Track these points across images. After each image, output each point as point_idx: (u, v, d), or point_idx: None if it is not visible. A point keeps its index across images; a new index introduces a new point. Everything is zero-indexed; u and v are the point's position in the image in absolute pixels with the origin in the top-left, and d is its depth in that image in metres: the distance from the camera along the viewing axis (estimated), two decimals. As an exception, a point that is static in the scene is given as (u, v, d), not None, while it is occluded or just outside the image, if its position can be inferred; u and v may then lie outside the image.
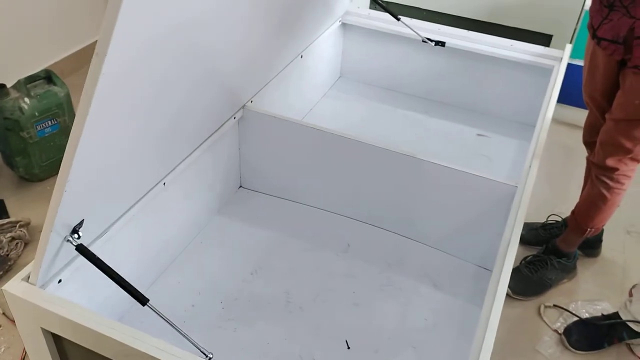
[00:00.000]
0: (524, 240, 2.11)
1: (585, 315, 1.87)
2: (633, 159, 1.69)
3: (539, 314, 1.89)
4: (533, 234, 2.12)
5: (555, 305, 1.92)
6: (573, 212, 1.93)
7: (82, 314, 1.09)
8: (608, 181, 1.75)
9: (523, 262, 1.99)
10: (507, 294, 1.87)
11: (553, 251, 1.97)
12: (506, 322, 1.84)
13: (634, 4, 1.46)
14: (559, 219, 2.13)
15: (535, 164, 1.66)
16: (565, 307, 1.90)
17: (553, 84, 2.18)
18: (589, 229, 1.87)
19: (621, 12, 1.49)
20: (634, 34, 1.48)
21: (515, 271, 1.95)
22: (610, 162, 1.70)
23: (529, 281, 1.94)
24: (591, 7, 1.61)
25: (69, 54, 2.93)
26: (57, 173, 1.01)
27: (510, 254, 1.36)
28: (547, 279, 1.95)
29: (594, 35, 1.61)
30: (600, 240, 2.11)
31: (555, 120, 2.74)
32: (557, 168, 2.49)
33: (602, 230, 2.09)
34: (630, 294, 1.80)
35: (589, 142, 1.90)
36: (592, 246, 2.10)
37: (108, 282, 1.12)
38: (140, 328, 1.07)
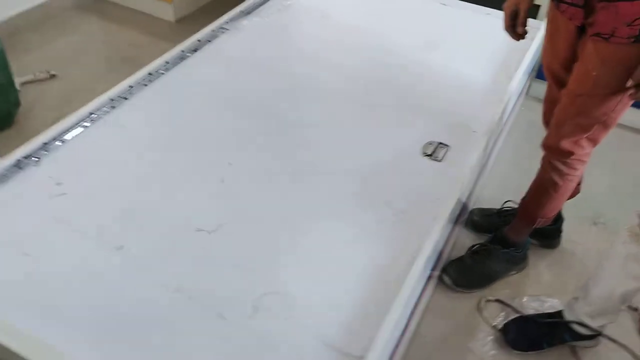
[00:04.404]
0: (476, 226, 1.95)
1: (530, 312, 1.71)
2: (590, 140, 1.50)
3: (478, 308, 1.73)
4: (487, 220, 1.95)
5: (497, 300, 1.75)
6: (523, 199, 1.75)
7: None
8: (561, 167, 1.57)
9: (468, 251, 1.82)
10: (448, 286, 1.75)
11: (500, 240, 1.80)
12: (442, 315, 1.69)
13: None
14: (514, 206, 1.95)
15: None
16: (508, 302, 1.74)
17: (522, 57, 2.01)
18: (539, 219, 1.69)
19: None
20: None
21: (458, 261, 1.79)
22: (565, 144, 1.51)
23: (472, 272, 1.78)
24: None
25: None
26: None
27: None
28: (493, 270, 1.79)
29: None
30: (560, 230, 1.93)
31: (531, 97, 2.56)
32: (525, 149, 2.29)
33: (562, 219, 1.91)
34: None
35: (549, 121, 1.70)
36: (549, 236, 1.92)
37: None
38: None
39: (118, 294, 1.20)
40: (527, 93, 2.54)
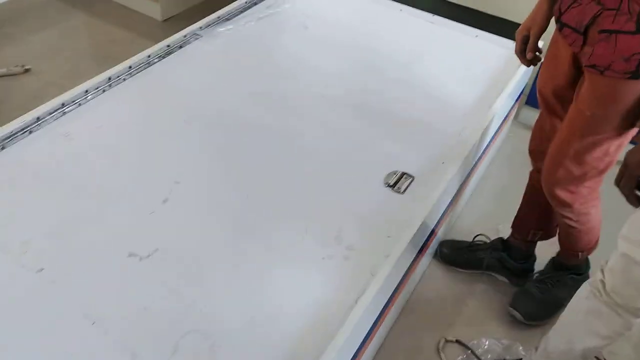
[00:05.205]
0: (446, 259, 1.85)
1: (488, 357, 1.61)
2: (588, 187, 1.41)
3: (437, 349, 1.63)
4: (456, 254, 1.85)
5: (457, 341, 1.65)
6: (558, 234, 1.68)
7: None
8: (569, 214, 1.49)
9: (530, 281, 1.73)
10: (519, 320, 1.67)
11: (560, 266, 1.70)
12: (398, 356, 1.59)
13: None
14: (486, 240, 1.85)
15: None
16: (468, 345, 1.64)
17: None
18: (579, 253, 1.63)
19: None
20: (597, 24, 1.18)
21: (524, 294, 1.70)
22: (560, 193, 1.42)
23: (542, 303, 1.68)
24: None
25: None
26: None
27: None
28: (560, 298, 1.64)
29: (557, 20, 1.31)
30: (531, 270, 1.82)
31: (521, 123, 2.45)
32: (508, 178, 2.19)
33: (534, 258, 1.81)
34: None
35: (535, 150, 1.60)
36: (520, 275, 1.82)
37: None
38: None
39: (29, 320, 1.12)
40: (515, 119, 2.44)
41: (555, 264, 1.73)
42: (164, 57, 1.86)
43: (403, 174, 1.54)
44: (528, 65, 1.46)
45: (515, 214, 1.74)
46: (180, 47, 1.92)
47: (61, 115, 1.58)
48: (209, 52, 1.92)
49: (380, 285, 1.24)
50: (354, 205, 1.44)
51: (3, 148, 1.45)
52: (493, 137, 2.05)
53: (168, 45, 1.89)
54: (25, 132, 1.50)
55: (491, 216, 2.03)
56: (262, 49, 2.00)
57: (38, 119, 1.53)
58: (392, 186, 1.50)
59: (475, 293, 1.80)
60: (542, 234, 1.70)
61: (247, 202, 1.42)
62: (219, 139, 1.59)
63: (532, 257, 1.80)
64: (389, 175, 1.53)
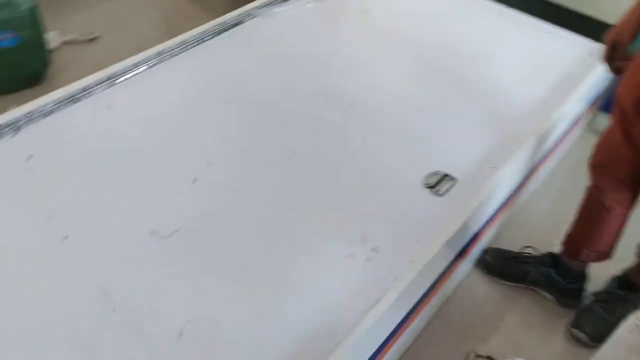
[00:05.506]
0: (489, 269, 1.73)
1: (521, 379, 1.50)
2: None
3: (466, 363, 1.54)
4: (501, 264, 1.73)
5: (488, 357, 1.55)
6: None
7: None
8: None
9: (594, 299, 1.62)
10: (584, 342, 1.57)
11: (629, 286, 1.59)
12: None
13: None
14: (534, 253, 1.72)
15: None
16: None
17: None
18: None
19: None
20: None
21: (588, 313, 1.60)
22: None
23: (608, 324, 1.55)
24: None
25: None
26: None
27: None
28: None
29: None
30: (582, 290, 1.68)
31: (595, 131, 2.26)
32: (569, 190, 2.02)
33: (586, 278, 1.67)
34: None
35: (597, 165, 1.46)
36: (568, 294, 1.68)
37: None
38: None
39: (45, 288, 1.13)
40: (589, 125, 2.26)
41: (622, 281, 1.60)
42: (217, 35, 1.84)
43: (445, 175, 1.45)
44: (616, 74, 1.36)
45: (567, 231, 1.61)
46: (235, 25, 1.89)
47: (108, 87, 1.60)
48: (262, 33, 1.88)
49: (400, 291, 1.17)
50: (387, 204, 1.37)
51: (47, 115, 1.48)
52: (557, 143, 1.90)
53: (222, 23, 1.87)
54: (71, 100, 1.53)
55: (547, 228, 1.88)
56: (317, 33, 1.93)
57: (84, 89, 1.56)
58: (432, 187, 1.42)
59: (517, 309, 1.68)
60: (595, 255, 1.56)
61: (276, 192, 1.38)
62: (259, 124, 1.56)
63: (584, 278, 1.66)
64: (430, 175, 1.45)
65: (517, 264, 1.71)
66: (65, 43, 2.45)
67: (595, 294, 1.64)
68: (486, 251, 1.75)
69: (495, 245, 1.79)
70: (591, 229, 1.52)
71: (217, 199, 1.34)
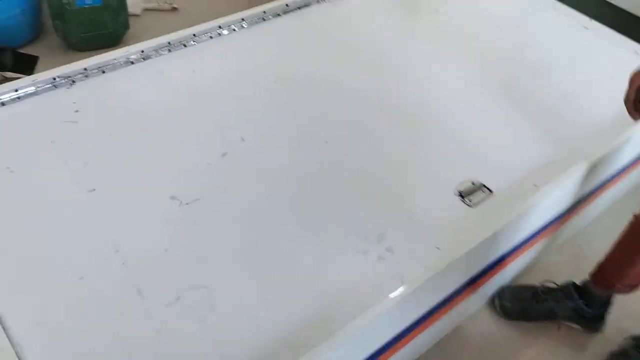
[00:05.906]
0: (508, 313, 1.58)
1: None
2: None
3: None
4: (521, 306, 1.57)
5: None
6: None
7: None
8: None
9: (634, 344, 1.52)
10: None
11: None
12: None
13: None
14: (554, 285, 1.58)
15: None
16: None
17: None
18: None
19: None
20: None
21: (622, 355, 1.51)
22: None
23: None
24: None
25: None
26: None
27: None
28: None
29: None
30: (603, 316, 1.56)
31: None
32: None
33: (609, 303, 1.54)
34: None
35: None
36: (591, 319, 1.56)
37: None
38: None
39: (65, 231, 1.19)
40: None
41: None
42: (279, 15, 1.85)
43: (482, 185, 1.38)
44: (636, 120, 1.25)
45: (602, 260, 1.47)
46: (299, 8, 1.89)
47: (166, 53, 1.64)
48: (325, 17, 1.87)
49: (405, 296, 1.12)
50: (412, 207, 1.32)
51: (103, 72, 1.55)
52: (623, 170, 1.76)
53: (287, 5, 1.87)
54: (128, 62, 1.59)
55: (585, 253, 1.72)
56: (381, 24, 1.89)
57: (142, 51, 1.61)
58: (463, 196, 1.35)
59: (533, 344, 1.55)
60: (628, 289, 1.43)
61: (303, 178, 1.37)
62: (301, 107, 1.55)
63: (610, 302, 1.54)
64: (464, 182, 1.38)
65: (539, 302, 1.56)
66: (147, 10, 2.55)
67: (636, 339, 1.51)
68: (501, 293, 1.60)
69: (525, 276, 1.66)
70: (632, 260, 1.40)
71: (242, 175, 1.35)
